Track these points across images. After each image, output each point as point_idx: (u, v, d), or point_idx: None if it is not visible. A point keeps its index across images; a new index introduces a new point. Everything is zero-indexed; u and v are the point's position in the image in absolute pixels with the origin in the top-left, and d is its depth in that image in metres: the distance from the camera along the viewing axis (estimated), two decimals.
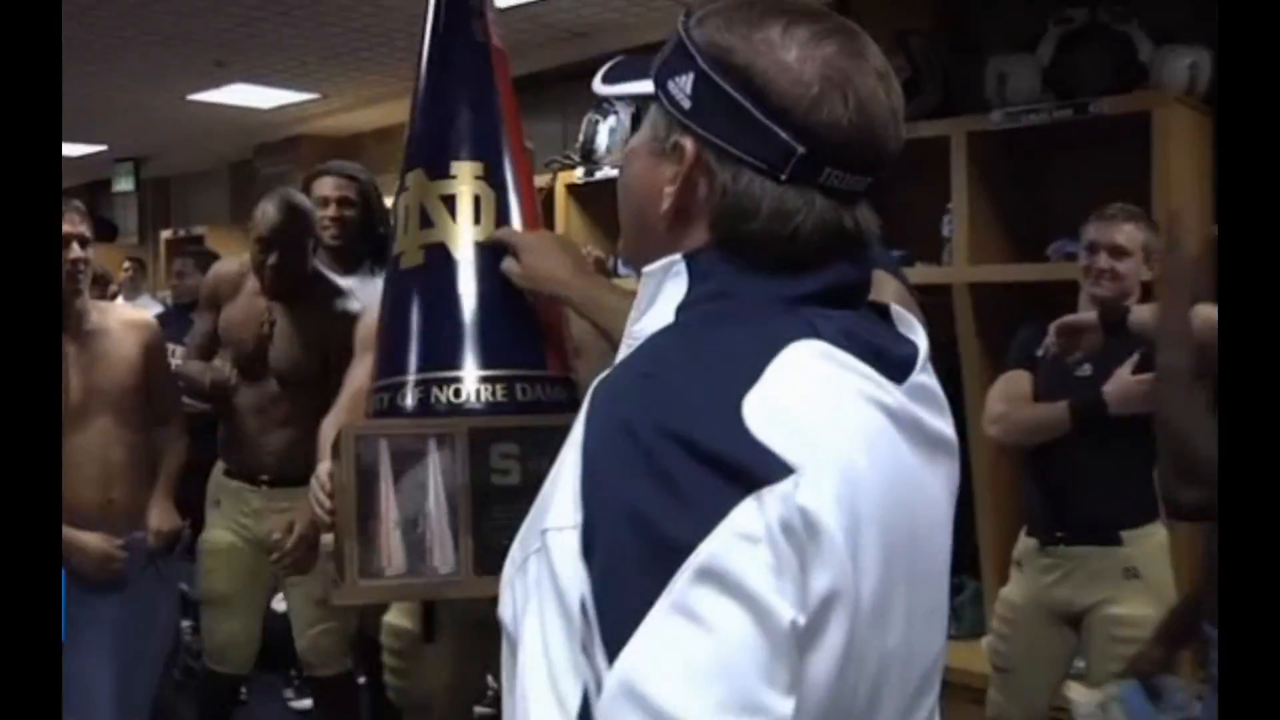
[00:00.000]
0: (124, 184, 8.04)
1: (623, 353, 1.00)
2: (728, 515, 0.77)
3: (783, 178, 0.90)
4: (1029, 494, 3.02)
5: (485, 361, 1.73)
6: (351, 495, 1.66)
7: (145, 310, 4.20)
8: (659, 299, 0.96)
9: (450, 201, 1.77)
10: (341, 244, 3.44)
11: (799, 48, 0.90)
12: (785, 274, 0.92)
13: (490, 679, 2.80)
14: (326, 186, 3.46)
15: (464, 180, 1.78)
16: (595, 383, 0.88)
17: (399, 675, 2.58)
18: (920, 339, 0.99)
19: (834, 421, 0.86)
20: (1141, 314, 2.52)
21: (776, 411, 0.82)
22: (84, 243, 2.79)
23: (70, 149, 7.34)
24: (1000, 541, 3.67)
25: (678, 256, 0.95)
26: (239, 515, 3.18)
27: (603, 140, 4.58)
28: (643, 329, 0.97)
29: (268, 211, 3.07)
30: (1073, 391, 2.80)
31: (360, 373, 2.55)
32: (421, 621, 2.18)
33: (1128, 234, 2.78)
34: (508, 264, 1.71)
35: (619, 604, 0.77)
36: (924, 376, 0.96)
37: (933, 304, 3.53)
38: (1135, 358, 2.66)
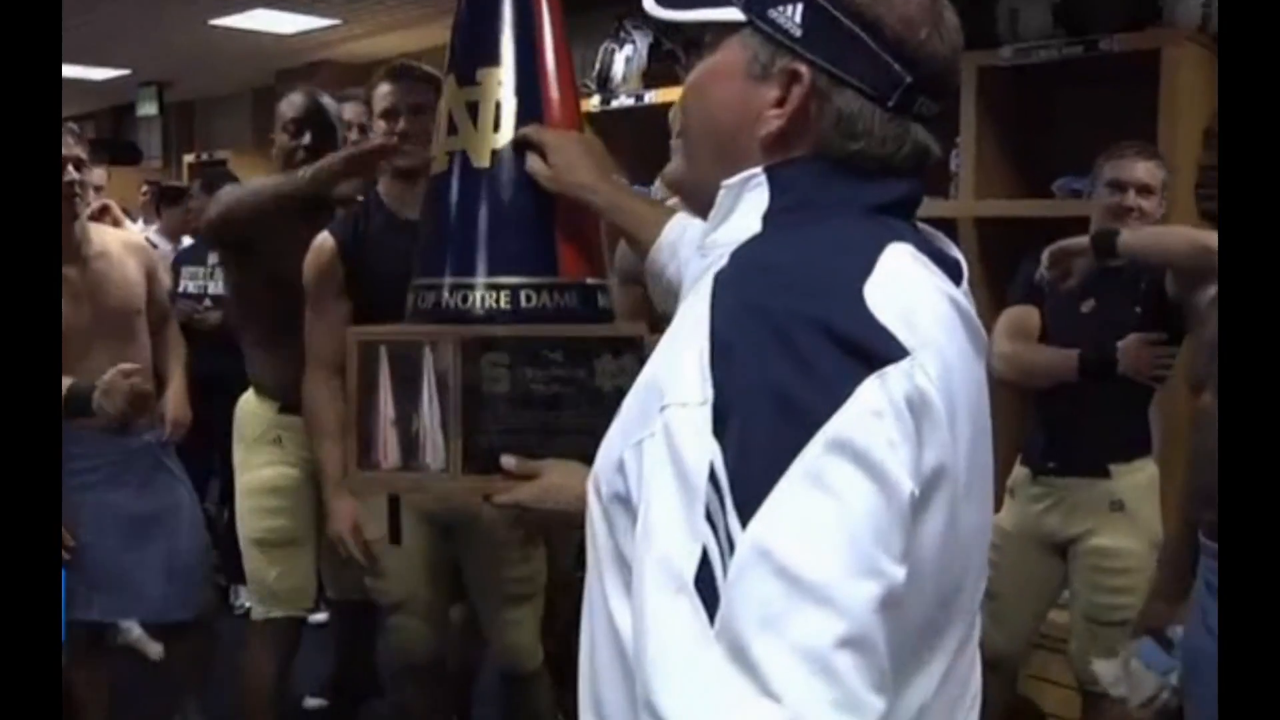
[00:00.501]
0: (148, 108, 8.09)
1: (695, 262, 1.09)
2: (856, 391, 0.84)
3: (890, 104, 0.98)
4: (1027, 424, 3.07)
5: (493, 269, 1.78)
6: (354, 394, 1.77)
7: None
8: (738, 209, 1.03)
9: (474, 109, 1.80)
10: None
11: None
12: (861, 185, 1.00)
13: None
14: (350, 112, 3.40)
15: (488, 87, 1.80)
16: (712, 276, 0.94)
17: (373, 575, 2.75)
18: (955, 251, 1.09)
19: (929, 310, 0.95)
20: (1132, 238, 2.58)
21: (890, 299, 0.90)
22: (79, 165, 2.79)
23: (94, 73, 7.39)
24: (996, 471, 3.77)
25: (757, 170, 1.01)
26: (304, 450, 2.96)
27: (619, 69, 4.59)
28: (720, 238, 1.03)
29: (295, 100, 3.08)
30: (1079, 330, 2.84)
31: (315, 329, 2.72)
32: (388, 525, 2.31)
33: (1150, 171, 2.82)
34: (534, 164, 1.72)
35: (753, 473, 0.83)
36: (967, 286, 1.06)
37: None
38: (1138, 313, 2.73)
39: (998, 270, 3.57)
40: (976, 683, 1.08)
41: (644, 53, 4.60)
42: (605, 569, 0.99)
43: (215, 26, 5.96)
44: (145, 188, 6.94)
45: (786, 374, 0.84)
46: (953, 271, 1.03)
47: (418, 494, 1.95)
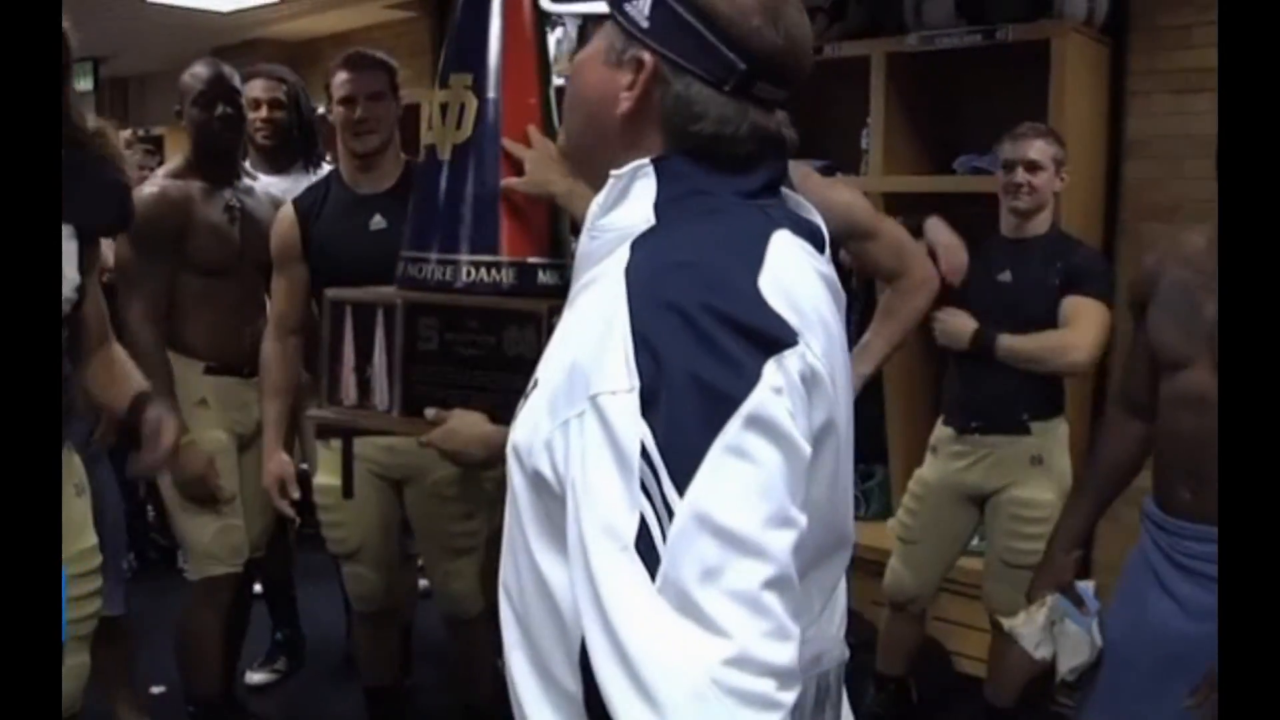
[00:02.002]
0: (83, 83, 8.06)
1: (585, 241, 1.19)
2: (762, 373, 0.98)
3: (726, 89, 1.11)
4: (948, 386, 3.27)
5: (445, 246, 2.10)
6: (326, 343, 2.15)
7: None
8: (629, 197, 1.14)
9: (444, 109, 2.11)
10: (273, 144, 3.67)
11: None
12: (737, 173, 1.13)
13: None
14: (257, 89, 3.63)
15: (456, 90, 2.10)
16: (621, 270, 1.04)
17: (330, 527, 2.95)
18: (817, 217, 1.22)
19: (808, 292, 1.10)
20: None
21: (779, 289, 1.04)
22: None
23: None
24: (907, 431, 3.99)
25: (645, 161, 1.13)
26: (231, 411, 3.13)
27: (551, 49, 4.77)
28: (611, 222, 1.15)
29: (199, 72, 3.11)
30: (992, 297, 3.05)
31: (277, 290, 2.93)
32: (342, 480, 2.61)
33: (1039, 149, 3.02)
34: (511, 182, 2.05)
35: (684, 448, 0.95)
36: (828, 250, 1.21)
37: None
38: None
39: None
40: (843, 617, 1.27)
41: (574, 35, 4.74)
42: (530, 529, 1.10)
43: (152, 4, 5.97)
44: None
45: (703, 362, 0.97)
46: (816, 239, 1.19)
47: (369, 427, 2.26)
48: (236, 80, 3.14)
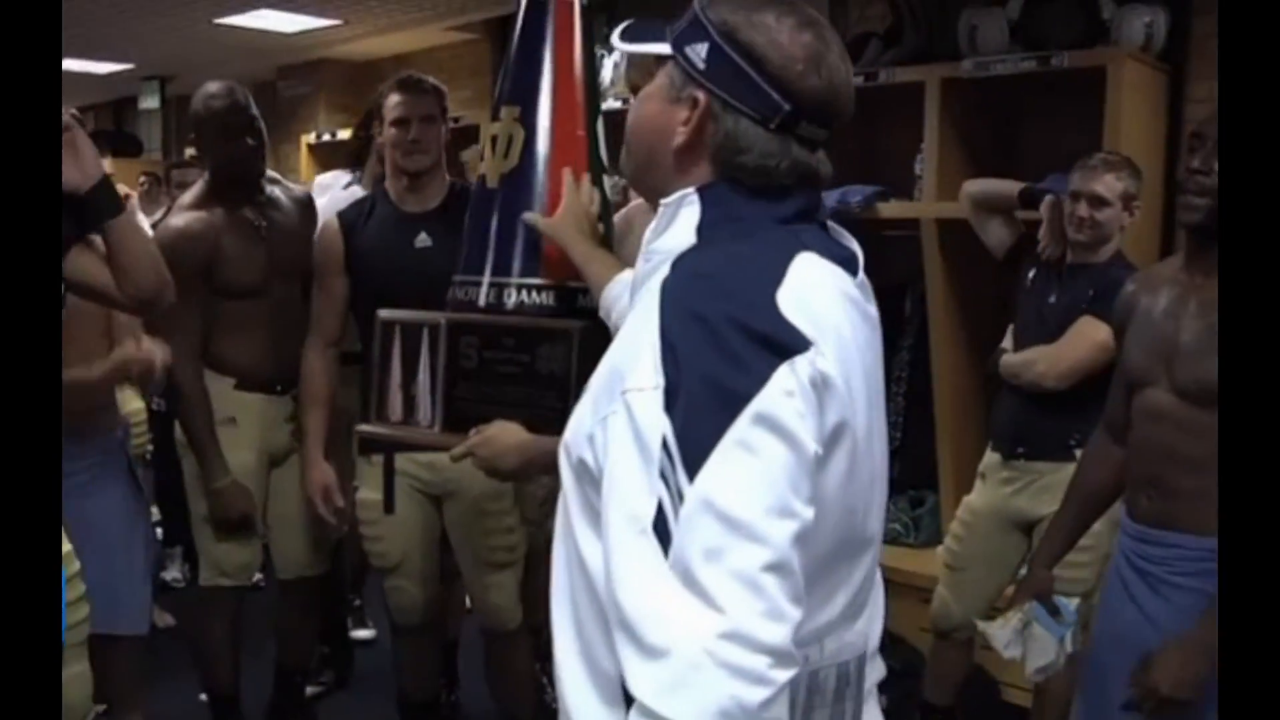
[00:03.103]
0: (150, 101, 8.27)
1: (640, 264, 1.32)
2: (772, 376, 1.08)
3: (771, 126, 1.22)
4: (997, 413, 3.26)
5: (493, 270, 2.19)
6: (375, 361, 2.23)
7: (145, 225, 4.03)
8: (675, 222, 1.26)
9: (494, 140, 2.19)
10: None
11: (788, 32, 1.22)
12: (773, 200, 1.24)
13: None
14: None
15: (505, 122, 2.19)
16: (660, 283, 1.17)
17: (372, 541, 3.00)
18: (856, 247, 1.32)
19: (827, 307, 1.19)
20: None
21: (797, 302, 1.14)
22: None
23: (98, 66, 7.55)
24: (958, 459, 3.97)
25: (690, 190, 1.26)
26: (259, 429, 3.12)
27: (607, 74, 4.80)
28: (661, 245, 1.27)
29: (218, 98, 3.01)
30: (1036, 318, 3.08)
31: (317, 301, 2.99)
32: (383, 496, 2.69)
33: (1107, 184, 2.96)
34: (533, 219, 2.14)
35: (696, 440, 1.06)
36: (862, 275, 1.31)
37: (904, 236, 3.86)
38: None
39: (957, 264, 3.81)
40: (876, 631, 1.34)
41: (627, 59, 4.81)
42: (575, 518, 1.20)
43: (219, 24, 6.12)
44: (143, 178, 7.12)
45: (717, 364, 1.08)
46: (849, 265, 1.28)
47: (414, 442, 2.31)
48: (253, 106, 3.10)
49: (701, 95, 1.24)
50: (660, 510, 1.06)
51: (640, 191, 1.43)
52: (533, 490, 3.00)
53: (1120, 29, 3.55)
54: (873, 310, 1.31)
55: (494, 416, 2.05)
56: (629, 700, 1.13)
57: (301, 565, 3.25)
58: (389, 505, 2.74)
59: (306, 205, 3.30)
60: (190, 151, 8.17)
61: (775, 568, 1.04)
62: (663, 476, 1.07)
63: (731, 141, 1.23)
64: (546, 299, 2.16)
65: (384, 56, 6.95)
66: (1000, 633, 2.53)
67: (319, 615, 3.52)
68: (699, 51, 1.24)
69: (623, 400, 1.11)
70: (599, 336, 2.01)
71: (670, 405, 1.08)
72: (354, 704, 3.79)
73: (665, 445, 1.07)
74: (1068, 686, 2.71)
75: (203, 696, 3.48)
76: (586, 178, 2.18)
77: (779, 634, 1.04)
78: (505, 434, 2.00)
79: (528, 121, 2.17)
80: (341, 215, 2.97)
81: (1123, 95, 3.43)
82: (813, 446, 1.10)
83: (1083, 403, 2.98)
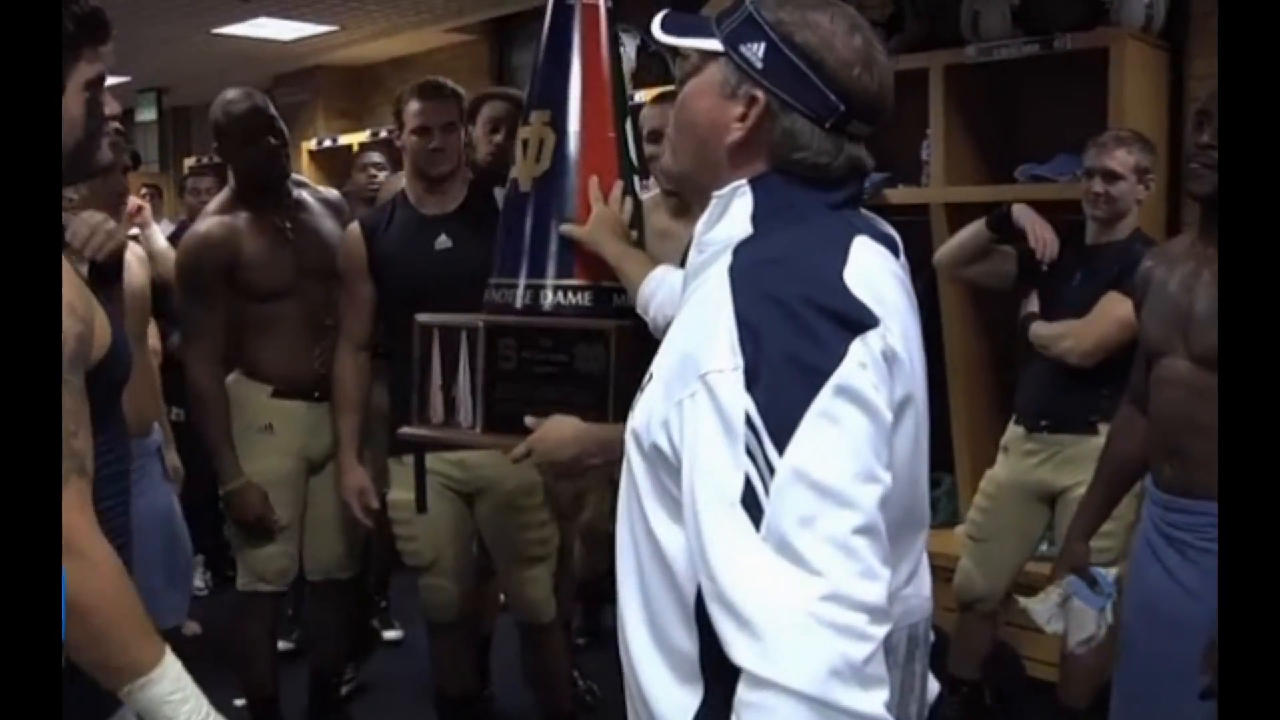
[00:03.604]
0: (147, 114, 8.29)
1: (694, 255, 1.36)
2: (848, 351, 1.13)
3: (826, 126, 1.26)
4: (1021, 387, 3.32)
5: (529, 272, 2.22)
6: (416, 364, 2.27)
7: (159, 234, 4.22)
8: (729, 213, 1.30)
9: (525, 144, 2.23)
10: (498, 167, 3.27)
11: (842, 34, 1.26)
12: (824, 189, 1.28)
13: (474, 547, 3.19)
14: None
15: (535, 126, 2.22)
16: (725, 270, 1.21)
17: (405, 541, 3.03)
18: (890, 229, 1.38)
19: (885, 286, 1.24)
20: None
21: (862, 280, 1.19)
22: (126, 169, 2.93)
23: None
24: (973, 440, 4.02)
25: (742, 182, 1.29)
26: (296, 437, 3.14)
27: (626, 86, 4.82)
28: (714, 237, 1.31)
29: (239, 105, 3.04)
30: (1064, 299, 3.12)
31: (345, 306, 3.02)
32: (415, 496, 2.74)
33: (1119, 159, 3.02)
34: (568, 230, 2.17)
35: (782, 415, 1.11)
36: (903, 257, 1.37)
37: (912, 221, 3.90)
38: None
39: None
40: (928, 589, 1.40)
41: (632, 55, 4.83)
42: (647, 502, 1.25)
43: (216, 34, 6.13)
44: (144, 190, 7.15)
45: (797, 342, 1.13)
46: (891, 246, 1.35)
47: (457, 443, 2.35)
48: (272, 108, 3.13)
49: (760, 94, 1.26)
50: (748, 485, 1.10)
51: (684, 187, 1.49)
52: (565, 485, 3.05)
53: (1120, 10, 3.60)
54: (912, 291, 1.35)
55: (533, 416, 2.08)
56: (708, 677, 1.19)
57: (333, 568, 3.28)
58: (421, 504, 2.80)
59: (337, 207, 3.34)
60: (189, 162, 8.27)
61: (866, 530, 1.09)
62: (749, 452, 1.11)
63: (790, 139, 1.26)
64: (583, 299, 2.19)
65: (381, 60, 6.96)
66: (1041, 608, 2.57)
67: (351, 617, 3.56)
68: (755, 51, 1.27)
69: (702, 382, 1.15)
70: (635, 335, 2.06)
71: (752, 384, 1.12)
72: (386, 704, 3.83)
73: (749, 422, 1.11)
74: (1095, 660, 2.75)
75: (238, 702, 3.52)
76: (618, 185, 2.21)
77: (875, 592, 1.09)
78: (560, 427, 2.03)
79: (558, 125, 2.20)
80: (363, 220, 3.01)
81: (1125, 75, 3.48)
82: (888, 415, 1.15)
83: (1105, 377, 3.05)
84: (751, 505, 1.10)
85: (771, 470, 1.10)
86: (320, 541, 3.23)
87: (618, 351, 2.07)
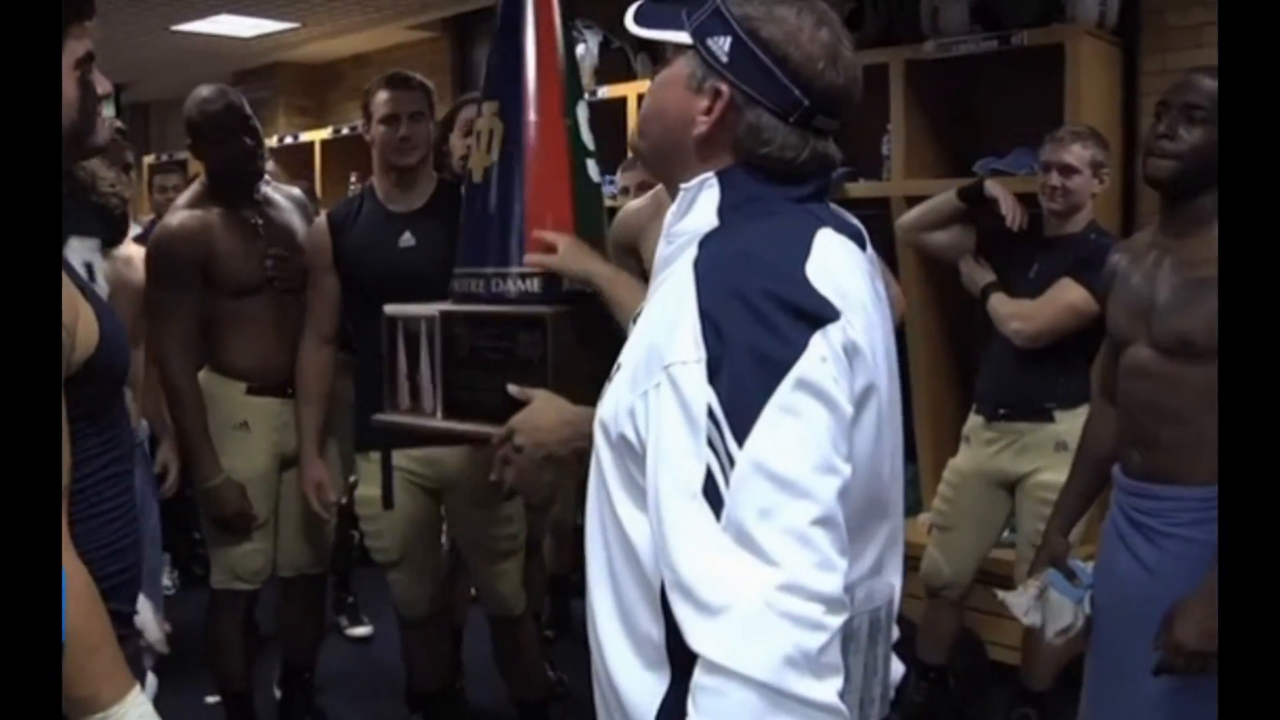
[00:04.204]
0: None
1: (663, 246, 1.37)
2: (809, 344, 1.14)
3: (791, 120, 1.27)
4: (981, 377, 3.40)
5: (485, 261, 2.26)
6: (385, 355, 2.33)
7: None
8: (696, 205, 1.31)
9: (479, 136, 2.26)
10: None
11: (808, 29, 1.27)
12: (790, 183, 1.30)
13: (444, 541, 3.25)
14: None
15: (487, 117, 2.26)
16: (690, 263, 1.22)
17: (373, 537, 3.05)
18: (858, 222, 1.40)
19: (849, 279, 1.25)
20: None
21: (824, 274, 1.20)
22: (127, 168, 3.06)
23: None
24: (935, 429, 4.08)
25: (710, 174, 1.31)
26: (272, 433, 3.14)
27: (580, 76, 4.83)
28: (684, 228, 1.32)
29: (213, 103, 3.06)
30: (1021, 290, 3.19)
31: (310, 299, 3.04)
32: (381, 493, 2.80)
33: (1075, 153, 3.10)
34: (545, 260, 2.18)
35: (743, 407, 1.12)
36: (870, 249, 1.39)
37: (874, 215, 3.94)
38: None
39: None
40: (897, 586, 1.41)
41: (595, 51, 4.84)
42: (614, 491, 1.26)
43: (176, 31, 6.07)
44: None
45: (758, 336, 1.14)
46: (857, 238, 1.36)
47: (422, 429, 2.37)
48: (246, 105, 3.14)
49: (724, 87, 1.28)
50: (709, 475, 1.13)
51: (655, 174, 1.51)
52: (542, 477, 3.07)
53: (1075, 6, 3.66)
54: (880, 285, 1.37)
55: (487, 401, 2.12)
56: (675, 663, 1.21)
57: (304, 564, 3.29)
58: (388, 501, 2.83)
59: (302, 204, 3.34)
60: (149, 160, 8.20)
61: (823, 521, 1.11)
62: (710, 443, 1.13)
63: (754, 134, 1.28)
64: (532, 286, 2.23)
65: (342, 57, 6.94)
66: (1019, 600, 2.59)
67: (322, 612, 3.57)
68: (721, 44, 1.28)
69: (666, 374, 1.17)
70: (577, 320, 2.12)
71: (714, 376, 1.14)
72: (358, 698, 3.84)
73: (711, 414, 1.13)
74: (1059, 644, 2.81)
75: (210, 699, 3.52)
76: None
77: (831, 583, 1.11)
78: (546, 409, 1.91)
79: (507, 115, 2.23)
80: (330, 214, 3.02)
81: (1081, 70, 3.54)
82: (848, 409, 1.17)
83: (1060, 366, 3.15)
84: (712, 496, 1.12)
85: (732, 462, 1.12)
86: (293, 537, 3.24)
87: (555, 337, 2.10)
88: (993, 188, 3.24)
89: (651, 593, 1.22)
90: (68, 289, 1.38)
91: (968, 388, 3.66)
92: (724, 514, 1.11)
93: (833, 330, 1.17)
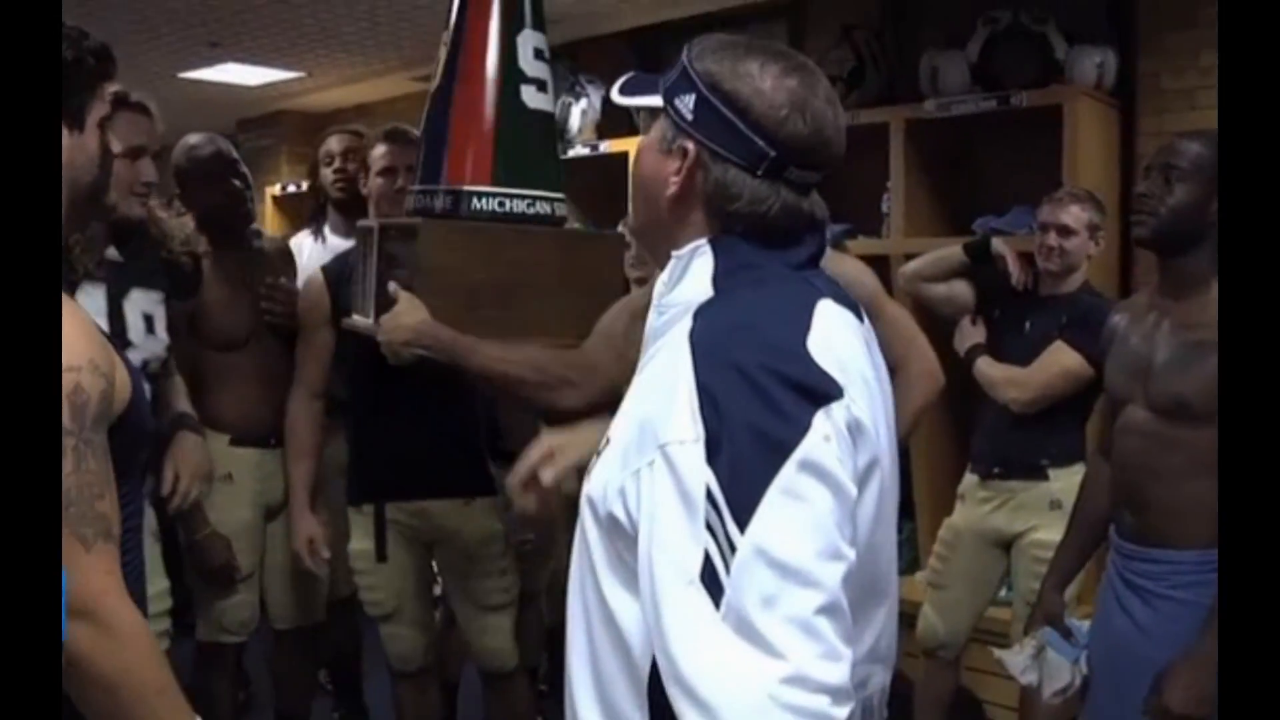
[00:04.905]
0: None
1: (653, 317, 1.31)
2: (812, 423, 1.10)
3: (759, 173, 1.23)
4: (976, 436, 3.40)
5: (421, 179, 2.58)
6: (358, 267, 2.65)
7: None
8: (689, 274, 1.27)
9: (434, 73, 2.62)
10: (346, 197, 3.58)
11: (771, 79, 1.23)
12: (783, 248, 1.26)
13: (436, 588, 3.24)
14: (333, 144, 3.66)
15: (437, 55, 2.60)
16: (686, 335, 1.17)
17: (367, 590, 3.02)
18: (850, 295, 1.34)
19: (849, 352, 1.22)
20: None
21: (825, 348, 1.17)
22: None
23: None
24: (933, 487, 4.06)
25: (702, 241, 1.26)
26: (256, 484, 3.12)
27: (575, 121, 4.85)
28: (675, 298, 1.28)
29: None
30: (1015, 348, 3.22)
31: (302, 354, 3.07)
32: (375, 545, 2.83)
33: (1073, 215, 3.15)
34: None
35: (744, 490, 1.07)
36: (867, 320, 1.35)
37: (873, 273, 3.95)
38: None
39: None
40: (889, 674, 1.38)
41: (598, 106, 4.87)
42: (601, 572, 1.21)
43: (182, 79, 6.12)
44: None
45: (760, 414, 1.10)
46: (854, 308, 1.32)
47: (362, 330, 2.58)
48: (235, 152, 3.16)
49: (691, 145, 1.25)
50: (708, 561, 1.07)
51: (646, 246, 1.47)
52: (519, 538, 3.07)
53: (1073, 68, 3.70)
54: (879, 356, 1.34)
55: (387, 306, 2.37)
56: None
57: (295, 616, 3.27)
58: (382, 554, 2.81)
59: (287, 257, 3.34)
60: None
61: (828, 610, 1.07)
62: (709, 527, 1.08)
63: (722, 189, 1.24)
64: (444, 202, 2.49)
65: (345, 107, 6.97)
66: (1015, 659, 2.55)
67: (314, 664, 3.53)
68: (687, 103, 1.26)
69: (661, 453, 1.12)
70: (453, 233, 2.43)
71: (712, 456, 1.09)
72: None
73: (710, 496, 1.08)
74: (1058, 705, 2.79)
75: None
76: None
77: (837, 673, 1.07)
78: (406, 313, 2.32)
79: (454, 40, 2.49)
80: (326, 269, 3.01)
81: (1079, 131, 3.58)
82: (852, 489, 1.13)
83: (1054, 425, 3.17)
84: (711, 583, 1.07)
85: (733, 547, 1.07)
86: (281, 589, 3.21)
87: (423, 245, 2.39)
88: (999, 245, 3.27)
89: (637, 679, 1.17)
90: (106, 344, 1.38)
91: (965, 442, 3.65)
92: (724, 602, 1.06)
93: (836, 408, 1.13)
